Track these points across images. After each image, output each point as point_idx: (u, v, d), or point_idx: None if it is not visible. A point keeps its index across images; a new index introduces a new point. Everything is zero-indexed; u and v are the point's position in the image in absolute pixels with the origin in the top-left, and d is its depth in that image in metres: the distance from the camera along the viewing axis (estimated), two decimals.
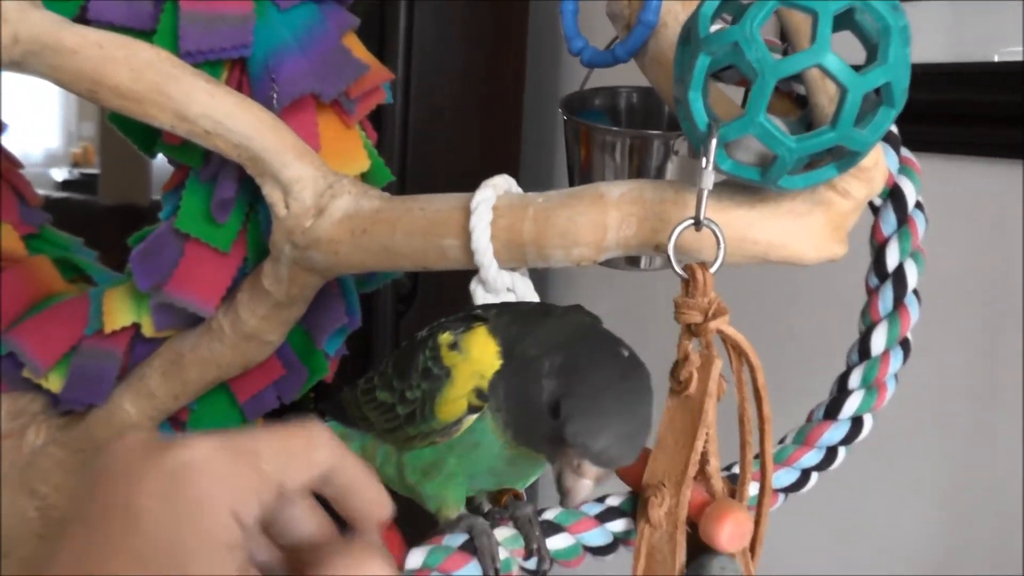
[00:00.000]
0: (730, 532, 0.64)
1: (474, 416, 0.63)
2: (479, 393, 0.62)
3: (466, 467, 0.66)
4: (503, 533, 0.66)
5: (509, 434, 0.63)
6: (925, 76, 1.39)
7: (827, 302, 1.32)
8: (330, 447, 0.46)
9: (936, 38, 1.41)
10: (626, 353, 0.60)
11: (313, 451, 0.46)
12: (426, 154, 1.86)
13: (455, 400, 0.63)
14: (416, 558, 0.63)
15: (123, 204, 3.13)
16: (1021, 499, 1.34)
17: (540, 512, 0.69)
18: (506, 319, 0.65)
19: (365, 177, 0.91)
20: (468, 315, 0.66)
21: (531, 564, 0.67)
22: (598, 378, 0.59)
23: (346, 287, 0.95)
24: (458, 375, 0.63)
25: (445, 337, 0.64)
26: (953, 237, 1.36)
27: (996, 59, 1.37)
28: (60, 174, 5.02)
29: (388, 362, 0.71)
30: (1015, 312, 1.34)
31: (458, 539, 0.65)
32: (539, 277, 1.50)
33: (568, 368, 0.59)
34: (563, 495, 0.59)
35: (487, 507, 0.74)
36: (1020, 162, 1.32)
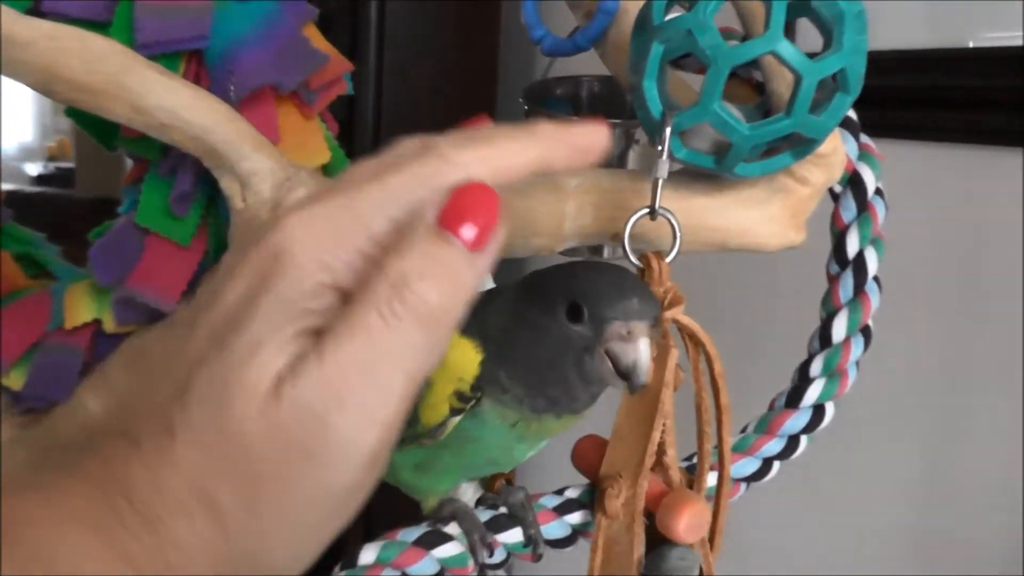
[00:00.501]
0: (687, 523, 0.64)
1: (457, 418, 0.63)
2: (460, 396, 0.62)
3: (462, 461, 0.67)
4: (458, 528, 0.65)
5: (527, 407, 0.62)
6: (901, 62, 1.41)
7: (794, 289, 1.32)
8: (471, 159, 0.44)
9: (913, 24, 1.41)
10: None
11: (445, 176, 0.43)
12: (401, 102, 1.85)
13: (436, 404, 0.63)
14: (369, 554, 0.62)
15: (99, 198, 3.11)
16: (993, 485, 1.34)
17: (561, 491, 0.69)
18: (481, 328, 0.64)
19: (326, 169, 0.90)
20: None
21: (492, 559, 0.66)
22: (584, 271, 0.60)
23: None
24: (436, 381, 0.62)
25: None
26: (927, 222, 1.36)
27: (971, 44, 1.37)
28: (35, 168, 5.00)
29: None
30: (987, 298, 1.34)
31: (413, 533, 0.64)
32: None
33: (555, 289, 0.60)
34: (628, 376, 0.58)
35: (480, 493, 0.73)
36: (997, 148, 1.32)
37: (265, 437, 0.39)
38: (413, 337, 0.41)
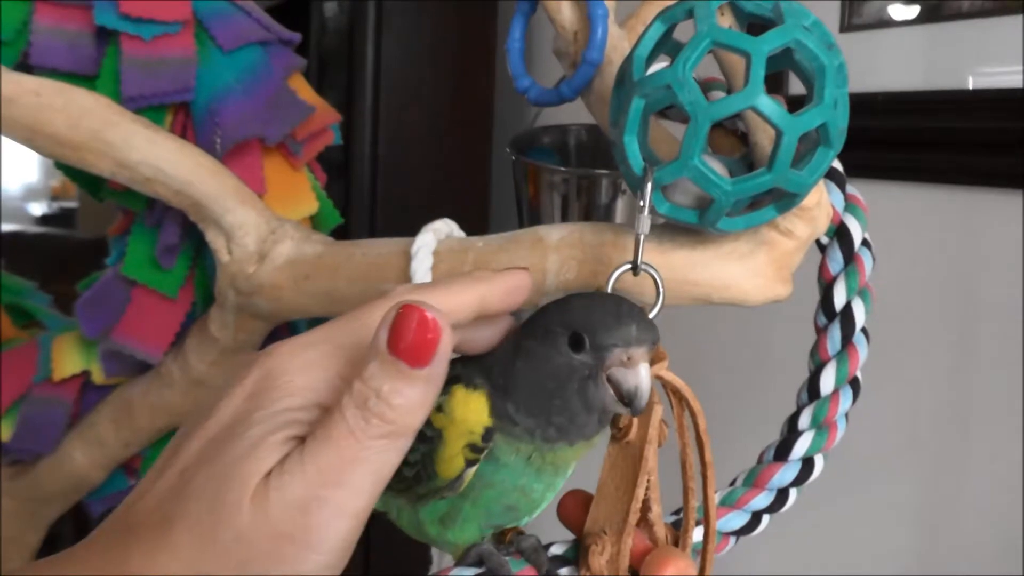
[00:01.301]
0: None
1: (472, 469, 0.63)
2: (473, 447, 0.62)
3: (482, 509, 0.66)
4: None
5: (539, 437, 0.62)
6: (899, 104, 1.41)
7: (782, 341, 1.32)
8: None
9: (909, 65, 1.41)
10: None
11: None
12: (396, 184, 1.86)
13: (451, 458, 0.63)
14: None
15: (101, 238, 3.11)
16: (991, 519, 1.33)
17: (547, 546, 0.68)
18: (471, 365, 0.64)
19: (314, 219, 0.90)
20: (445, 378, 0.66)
21: None
22: (583, 302, 0.61)
23: (296, 331, 0.94)
24: (448, 436, 0.63)
25: None
26: (924, 262, 1.36)
27: (971, 86, 1.37)
28: (39, 208, 5.01)
29: None
30: (983, 336, 1.33)
31: (467, 572, 0.63)
32: None
33: (554, 321, 0.60)
34: (631, 401, 0.58)
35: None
36: (995, 190, 1.32)
37: (255, 523, 0.45)
38: (377, 444, 0.48)
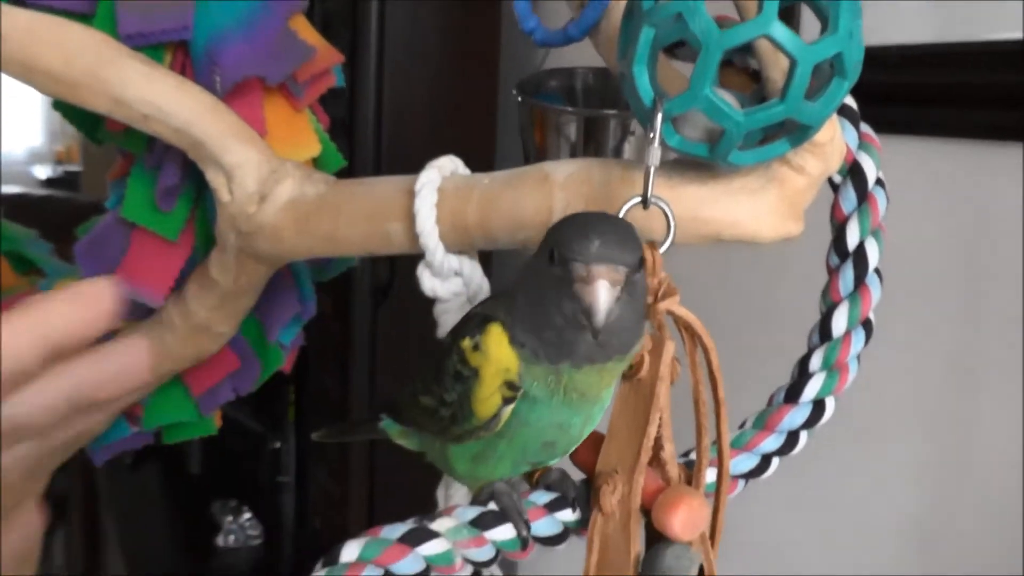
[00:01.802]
0: (683, 519, 0.61)
1: (510, 407, 0.63)
2: (510, 385, 0.62)
3: (519, 447, 0.66)
4: (445, 524, 0.63)
5: (543, 358, 0.61)
6: (913, 58, 1.39)
7: (794, 282, 1.30)
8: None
9: (924, 18, 1.38)
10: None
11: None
12: (400, 143, 1.84)
13: (488, 397, 0.63)
14: (351, 551, 0.60)
15: (103, 201, 3.10)
16: (996, 481, 1.32)
17: (525, 494, 0.68)
18: (503, 304, 0.64)
19: (316, 162, 0.89)
20: (479, 317, 0.65)
21: (481, 556, 0.64)
22: (571, 217, 0.61)
23: (299, 275, 0.93)
24: (485, 374, 0.62)
25: (466, 342, 0.64)
26: (935, 218, 1.34)
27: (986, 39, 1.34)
28: (43, 171, 5.01)
29: (423, 369, 0.71)
30: (994, 293, 1.32)
31: (398, 530, 0.62)
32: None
33: (548, 236, 0.60)
34: (588, 318, 0.57)
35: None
36: (1004, 144, 1.30)
37: None
38: None
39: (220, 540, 2.28)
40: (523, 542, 0.66)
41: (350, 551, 0.60)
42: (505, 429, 0.64)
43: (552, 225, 0.61)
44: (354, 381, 1.94)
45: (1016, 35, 1.25)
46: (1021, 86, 1.24)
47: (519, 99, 0.92)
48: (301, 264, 0.92)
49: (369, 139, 1.80)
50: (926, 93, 1.38)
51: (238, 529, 2.30)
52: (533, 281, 0.61)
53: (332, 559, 0.60)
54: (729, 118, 0.60)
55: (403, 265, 1.90)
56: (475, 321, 0.66)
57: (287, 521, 2.33)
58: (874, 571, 1.46)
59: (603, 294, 0.56)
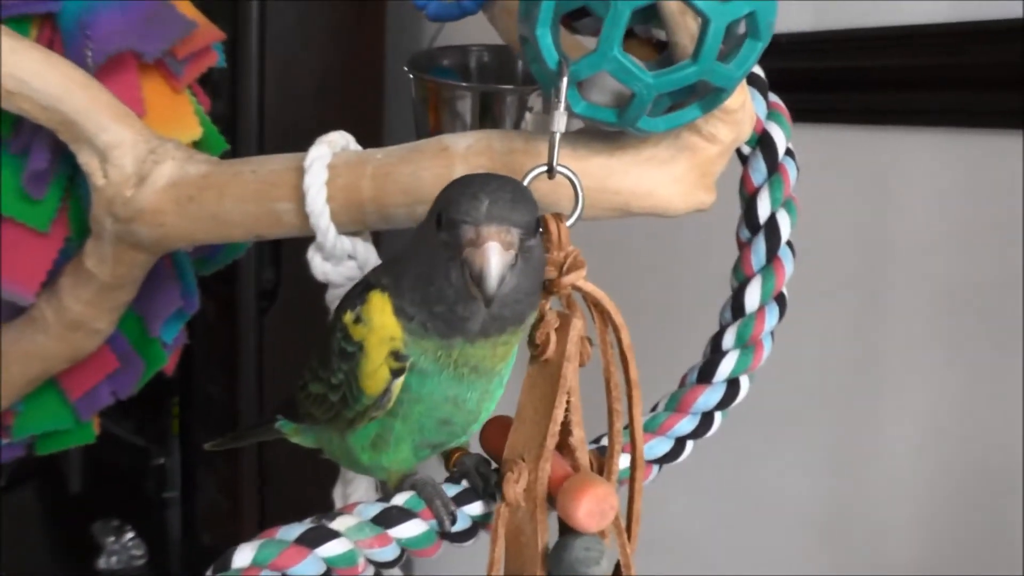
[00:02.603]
0: (588, 508, 0.58)
1: (399, 381, 0.60)
2: (396, 355, 0.59)
3: (414, 425, 0.63)
4: (346, 522, 0.59)
5: (432, 331, 0.58)
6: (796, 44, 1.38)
7: (703, 258, 1.28)
8: None
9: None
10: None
11: None
12: (285, 126, 1.77)
13: (375, 371, 0.59)
14: (244, 555, 0.56)
15: None
16: (905, 470, 1.33)
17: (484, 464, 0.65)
18: (390, 271, 0.61)
19: (198, 146, 0.84)
20: (361, 286, 0.62)
21: (385, 556, 0.60)
22: (459, 179, 0.57)
23: (180, 267, 0.88)
24: (370, 346, 0.59)
25: (348, 316, 0.61)
26: (837, 202, 1.34)
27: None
28: None
29: (310, 358, 0.68)
30: (895, 276, 1.32)
31: (295, 530, 0.58)
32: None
33: (436, 200, 0.57)
34: (479, 285, 0.53)
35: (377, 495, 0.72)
36: (913, 129, 1.30)
37: None
38: None
39: (102, 562, 2.19)
40: (446, 534, 0.62)
41: (243, 555, 0.56)
42: (397, 407, 0.61)
43: (441, 190, 0.57)
44: (241, 390, 1.88)
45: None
46: (931, 70, 1.24)
47: (411, 76, 0.88)
48: (183, 255, 0.87)
49: (252, 123, 1.73)
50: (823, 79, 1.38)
51: (120, 549, 2.21)
52: (422, 249, 0.57)
53: (223, 565, 0.55)
54: (639, 79, 0.57)
55: (289, 270, 1.86)
56: (357, 291, 0.63)
57: (173, 539, 2.25)
58: (782, 558, 1.45)
59: (495, 258, 0.53)
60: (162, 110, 0.81)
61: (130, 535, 2.25)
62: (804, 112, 1.30)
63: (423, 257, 0.57)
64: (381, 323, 0.59)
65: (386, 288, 0.59)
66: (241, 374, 1.87)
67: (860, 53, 1.35)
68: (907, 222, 1.31)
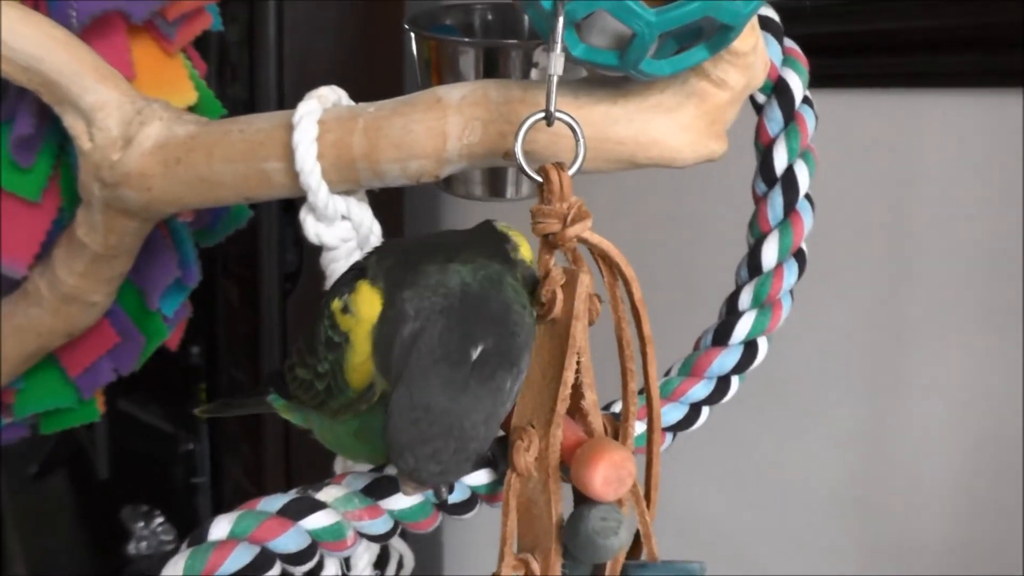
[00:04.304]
0: (605, 476, 0.54)
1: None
2: None
3: None
4: (333, 493, 0.56)
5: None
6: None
7: (718, 214, 1.24)
8: None
9: None
10: (478, 349, 0.52)
11: None
12: (303, 75, 1.75)
13: (361, 364, 0.57)
14: (221, 527, 0.53)
15: None
16: (931, 442, 1.30)
17: None
18: (390, 261, 0.58)
19: (193, 111, 0.81)
20: (354, 270, 0.60)
21: (376, 528, 0.57)
22: (433, 379, 0.51)
23: (177, 236, 0.85)
24: (356, 339, 0.56)
25: (336, 303, 0.58)
26: (863, 168, 1.30)
27: None
28: None
29: (300, 338, 0.65)
30: (924, 244, 1.29)
31: (278, 501, 0.55)
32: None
33: (411, 353, 0.52)
34: None
35: None
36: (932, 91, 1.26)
37: None
38: None
39: (132, 547, 2.20)
40: (443, 505, 0.60)
41: (220, 527, 0.53)
42: (383, 402, 0.57)
43: (407, 342, 0.53)
44: (265, 373, 1.87)
45: None
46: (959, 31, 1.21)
47: (412, 34, 0.85)
48: (180, 224, 0.85)
49: (271, 77, 1.71)
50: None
51: (150, 535, 2.21)
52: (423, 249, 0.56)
53: (199, 537, 0.53)
54: (640, 17, 0.54)
55: (311, 251, 1.84)
56: (347, 277, 0.60)
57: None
58: (809, 538, 1.42)
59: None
60: (154, 73, 0.79)
61: (159, 520, 2.25)
62: (830, 78, 1.29)
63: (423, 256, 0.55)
64: (370, 316, 0.56)
65: (376, 278, 0.57)
66: (264, 357, 1.86)
67: (887, 15, 1.31)
68: (937, 187, 1.28)
